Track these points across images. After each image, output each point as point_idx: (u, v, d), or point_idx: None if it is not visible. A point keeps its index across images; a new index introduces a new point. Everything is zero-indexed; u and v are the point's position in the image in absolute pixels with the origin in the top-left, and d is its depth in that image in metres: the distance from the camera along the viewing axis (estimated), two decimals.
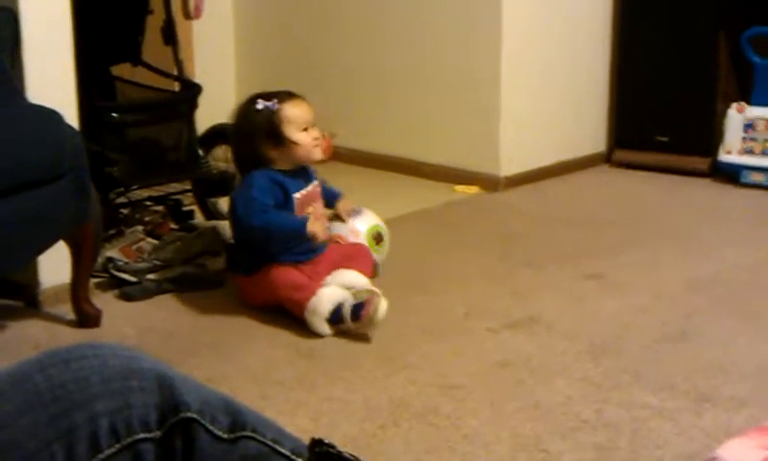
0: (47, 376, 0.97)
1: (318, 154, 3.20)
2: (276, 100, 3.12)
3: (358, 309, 2.90)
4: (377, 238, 3.42)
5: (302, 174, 3.21)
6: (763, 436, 2.16)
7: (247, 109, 3.16)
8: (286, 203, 3.11)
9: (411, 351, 2.85)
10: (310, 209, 3.18)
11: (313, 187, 3.25)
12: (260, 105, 3.11)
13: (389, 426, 2.39)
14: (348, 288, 3.03)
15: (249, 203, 3.04)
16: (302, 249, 3.14)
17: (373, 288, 3.05)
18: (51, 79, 3.15)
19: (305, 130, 3.15)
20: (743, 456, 2.08)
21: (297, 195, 3.14)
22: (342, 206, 3.43)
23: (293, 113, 3.12)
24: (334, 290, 3.01)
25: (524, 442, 2.31)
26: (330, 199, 3.40)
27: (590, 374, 2.69)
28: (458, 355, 2.83)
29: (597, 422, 2.41)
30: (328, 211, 3.39)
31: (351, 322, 2.91)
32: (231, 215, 3.17)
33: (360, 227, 3.41)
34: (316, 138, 3.17)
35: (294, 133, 3.11)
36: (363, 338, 2.93)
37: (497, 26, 4.63)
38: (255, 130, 3.10)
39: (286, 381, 2.66)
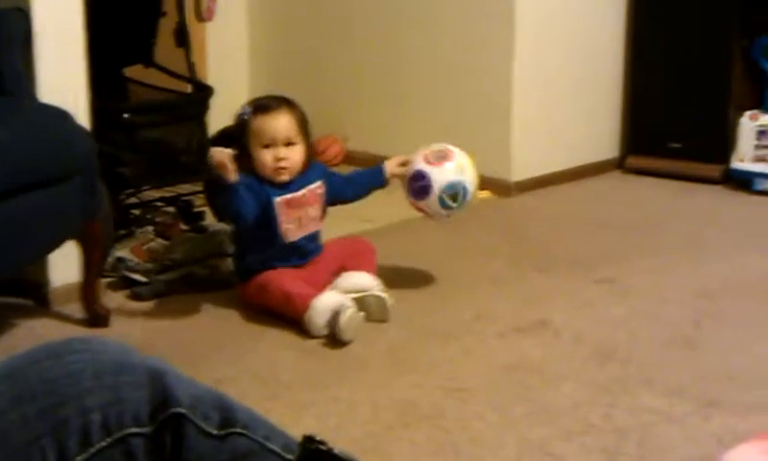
0: (39, 371, 0.97)
1: (278, 175, 3.09)
2: (251, 108, 3.11)
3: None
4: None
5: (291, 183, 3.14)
6: None
7: (239, 111, 3.17)
8: (268, 206, 3.08)
9: (419, 354, 2.84)
10: (301, 213, 3.13)
11: (307, 191, 3.15)
12: (242, 109, 3.12)
13: (395, 428, 2.39)
14: (354, 291, 3.02)
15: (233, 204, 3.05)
16: (297, 254, 3.15)
17: (379, 293, 3.05)
18: (63, 79, 3.16)
19: (266, 146, 3.08)
20: None
21: (278, 199, 3.09)
22: (396, 161, 3.41)
23: (257, 127, 3.08)
24: (329, 297, 2.96)
25: (531, 446, 2.30)
26: (377, 177, 3.38)
27: (598, 378, 2.68)
28: (466, 358, 2.83)
29: (605, 426, 2.40)
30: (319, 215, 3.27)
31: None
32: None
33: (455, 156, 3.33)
34: (278, 159, 3.08)
35: (254, 148, 3.08)
36: (370, 341, 2.93)
37: (510, 31, 4.62)
38: (234, 134, 3.12)
39: (293, 383, 2.66)
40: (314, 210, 3.19)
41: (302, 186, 3.14)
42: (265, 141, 3.07)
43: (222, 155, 2.90)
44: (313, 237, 3.22)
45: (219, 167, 2.90)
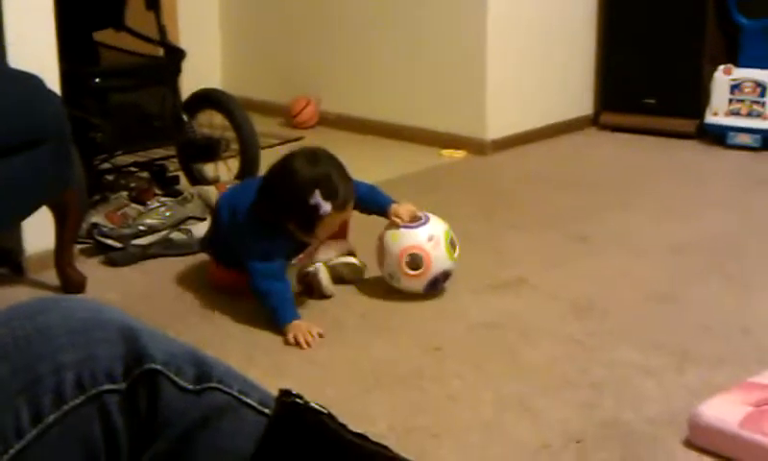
0: (11, 329, 0.96)
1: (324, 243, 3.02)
2: (331, 204, 2.74)
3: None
4: (453, 244, 2.95)
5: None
6: (745, 393, 2.17)
7: (300, 183, 2.76)
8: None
9: (395, 314, 2.85)
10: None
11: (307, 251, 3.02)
12: (315, 200, 2.72)
13: (373, 389, 2.40)
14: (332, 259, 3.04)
15: (266, 253, 2.81)
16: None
17: (349, 260, 3.07)
18: (32, 44, 3.12)
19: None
20: (725, 413, 2.09)
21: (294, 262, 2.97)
22: (400, 209, 2.98)
23: (332, 221, 2.83)
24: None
25: (509, 402, 2.31)
26: (381, 206, 3.02)
27: (575, 334, 2.69)
28: (443, 317, 2.84)
29: (582, 381, 2.41)
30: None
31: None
32: (246, 256, 2.83)
33: (437, 232, 2.92)
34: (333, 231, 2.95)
35: (322, 234, 2.88)
36: (346, 303, 2.93)
37: None
38: (293, 209, 2.78)
39: (270, 345, 2.66)
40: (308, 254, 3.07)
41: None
42: (335, 229, 2.94)
43: (308, 340, 2.69)
44: None
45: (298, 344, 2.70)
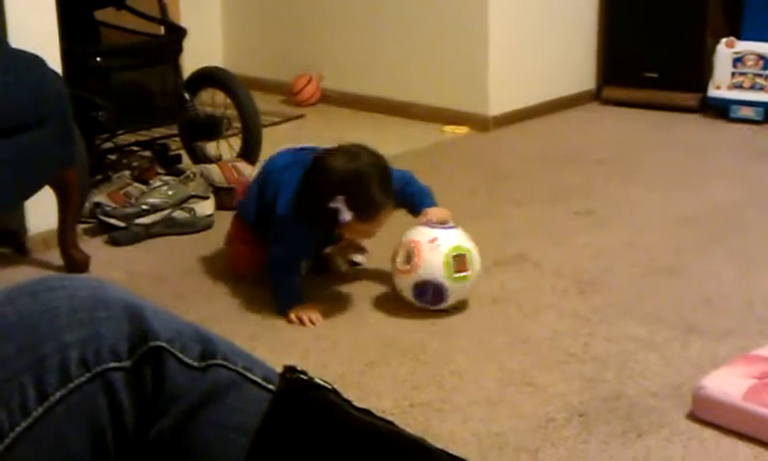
0: (16, 309, 0.96)
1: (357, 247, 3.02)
2: (353, 214, 2.59)
3: None
4: (458, 262, 2.68)
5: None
6: (748, 365, 2.18)
7: (328, 184, 2.63)
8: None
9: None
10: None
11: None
12: (336, 206, 2.58)
13: (377, 364, 2.41)
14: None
15: (290, 251, 2.76)
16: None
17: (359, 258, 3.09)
18: (33, 24, 3.12)
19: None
20: (728, 385, 2.10)
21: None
22: (433, 212, 2.82)
23: (363, 230, 2.74)
24: None
25: (512, 376, 2.32)
26: (419, 205, 2.85)
27: (578, 308, 2.70)
28: None
29: (585, 355, 2.42)
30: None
31: None
32: (273, 237, 2.78)
33: (445, 241, 2.69)
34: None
35: (350, 236, 2.84)
36: (351, 280, 2.94)
37: None
38: (317, 208, 2.65)
39: (275, 322, 2.67)
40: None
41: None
42: (363, 236, 2.86)
43: (312, 317, 2.68)
44: None
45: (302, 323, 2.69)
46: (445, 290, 2.66)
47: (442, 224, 2.75)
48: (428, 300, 2.69)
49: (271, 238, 2.79)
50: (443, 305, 2.69)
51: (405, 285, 2.71)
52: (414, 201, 2.85)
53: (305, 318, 2.65)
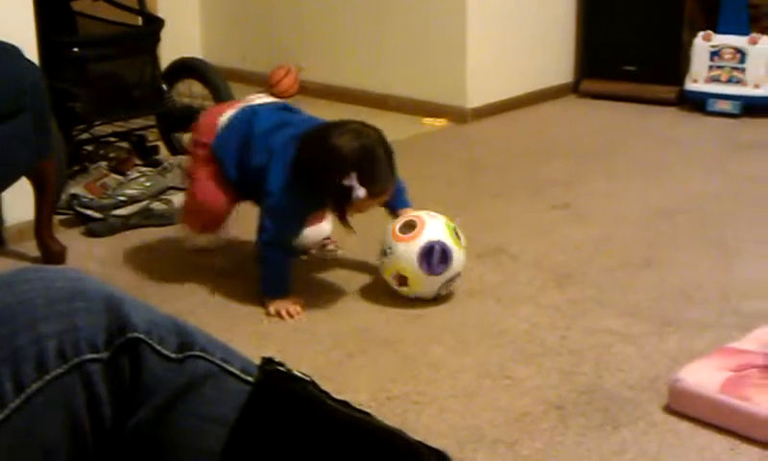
0: None
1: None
2: (366, 190, 2.56)
3: None
4: (455, 232, 2.74)
5: None
6: (725, 358, 2.19)
7: (339, 161, 2.58)
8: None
9: (377, 281, 2.85)
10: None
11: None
12: (351, 183, 2.55)
13: (355, 355, 2.41)
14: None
15: (285, 226, 2.72)
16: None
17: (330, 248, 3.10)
18: (10, 13, 3.10)
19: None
20: (705, 378, 2.11)
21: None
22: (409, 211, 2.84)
23: (365, 206, 2.68)
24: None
25: (489, 369, 2.33)
26: (397, 204, 2.85)
27: (555, 301, 2.70)
28: None
29: (562, 348, 2.43)
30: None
31: None
32: (267, 209, 2.72)
33: (436, 216, 2.76)
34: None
35: (355, 213, 2.72)
36: (330, 270, 2.94)
37: None
38: (327, 185, 2.62)
39: (252, 314, 2.66)
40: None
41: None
42: (367, 209, 2.73)
43: (291, 310, 2.67)
44: None
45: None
46: (451, 251, 2.69)
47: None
48: (434, 262, 2.67)
49: (263, 212, 2.73)
50: (446, 272, 2.69)
51: (409, 251, 2.68)
52: (393, 198, 2.81)
53: (284, 312, 2.65)
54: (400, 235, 2.71)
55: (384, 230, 2.77)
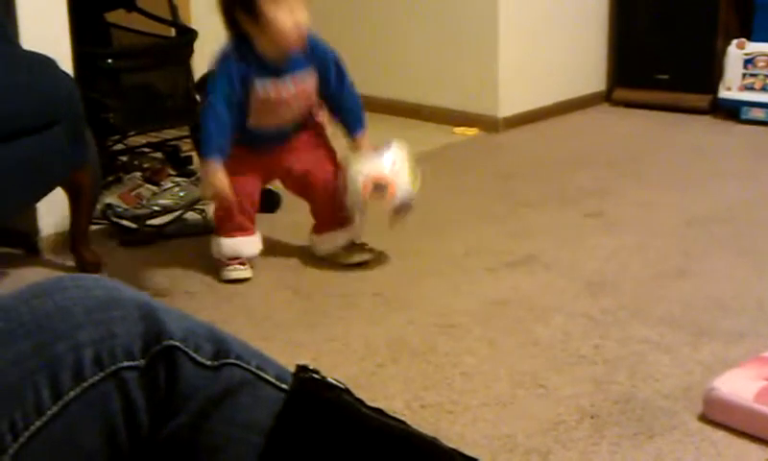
0: (31, 308, 0.97)
1: (298, 44, 2.76)
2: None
3: None
4: (413, 168, 2.92)
5: (282, 64, 2.82)
6: (760, 367, 2.17)
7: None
8: (246, 99, 2.81)
9: (410, 291, 2.85)
10: (282, 106, 2.88)
11: (295, 85, 2.87)
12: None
13: (388, 365, 2.41)
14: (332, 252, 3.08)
15: (213, 85, 2.83)
16: (259, 138, 2.93)
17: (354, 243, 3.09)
18: (45, 26, 3.14)
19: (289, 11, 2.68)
20: (740, 387, 2.09)
21: (260, 89, 2.81)
22: (365, 144, 2.97)
23: (280, 33, 2.69)
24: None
25: (522, 378, 2.32)
26: (353, 130, 2.99)
27: (589, 310, 2.69)
28: (457, 294, 2.84)
29: (596, 357, 2.42)
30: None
31: None
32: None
33: (399, 157, 2.91)
34: (299, 24, 2.71)
35: (271, 9, 2.65)
36: (363, 280, 2.94)
37: None
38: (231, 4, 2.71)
39: (286, 323, 2.67)
40: (300, 105, 2.94)
41: (288, 74, 2.85)
42: (284, 5, 2.67)
43: (219, 187, 2.75)
44: (286, 129, 2.99)
45: (217, 198, 2.80)
46: (412, 198, 2.90)
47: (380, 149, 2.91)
48: (402, 213, 2.91)
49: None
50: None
51: (383, 209, 2.88)
52: (349, 121, 3.00)
53: (213, 193, 2.74)
54: (373, 198, 2.87)
55: (349, 177, 2.90)
